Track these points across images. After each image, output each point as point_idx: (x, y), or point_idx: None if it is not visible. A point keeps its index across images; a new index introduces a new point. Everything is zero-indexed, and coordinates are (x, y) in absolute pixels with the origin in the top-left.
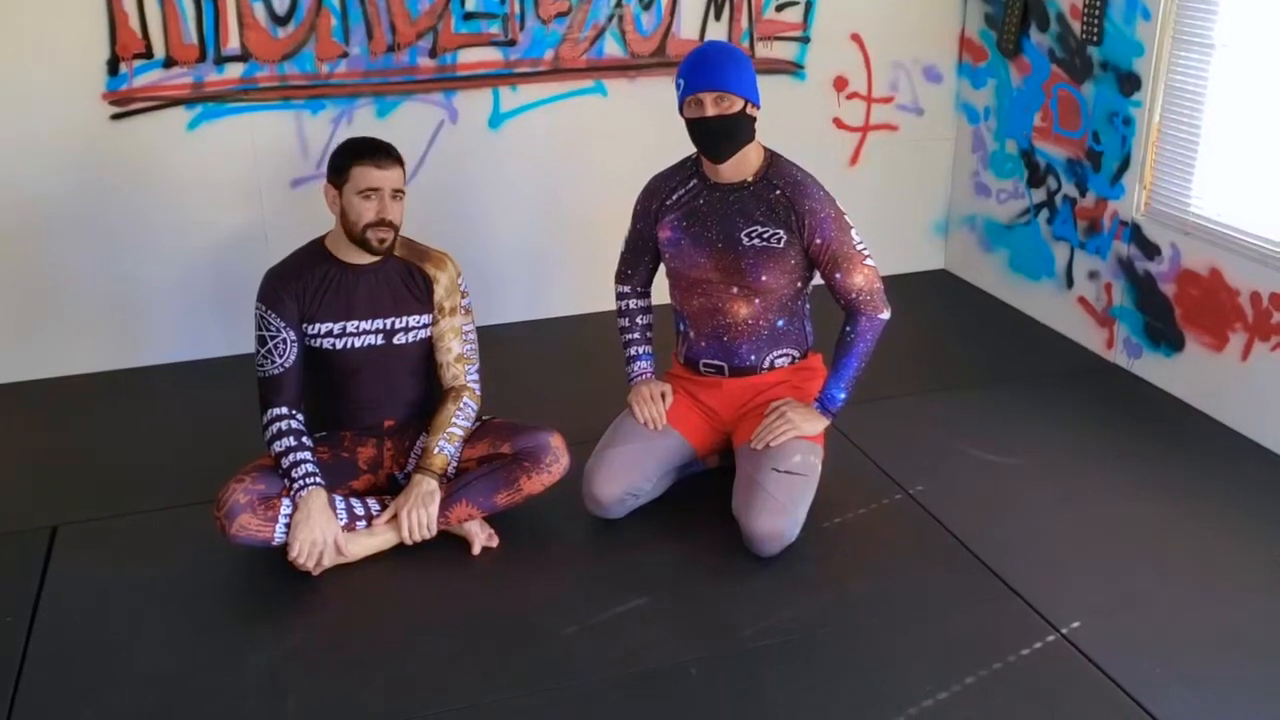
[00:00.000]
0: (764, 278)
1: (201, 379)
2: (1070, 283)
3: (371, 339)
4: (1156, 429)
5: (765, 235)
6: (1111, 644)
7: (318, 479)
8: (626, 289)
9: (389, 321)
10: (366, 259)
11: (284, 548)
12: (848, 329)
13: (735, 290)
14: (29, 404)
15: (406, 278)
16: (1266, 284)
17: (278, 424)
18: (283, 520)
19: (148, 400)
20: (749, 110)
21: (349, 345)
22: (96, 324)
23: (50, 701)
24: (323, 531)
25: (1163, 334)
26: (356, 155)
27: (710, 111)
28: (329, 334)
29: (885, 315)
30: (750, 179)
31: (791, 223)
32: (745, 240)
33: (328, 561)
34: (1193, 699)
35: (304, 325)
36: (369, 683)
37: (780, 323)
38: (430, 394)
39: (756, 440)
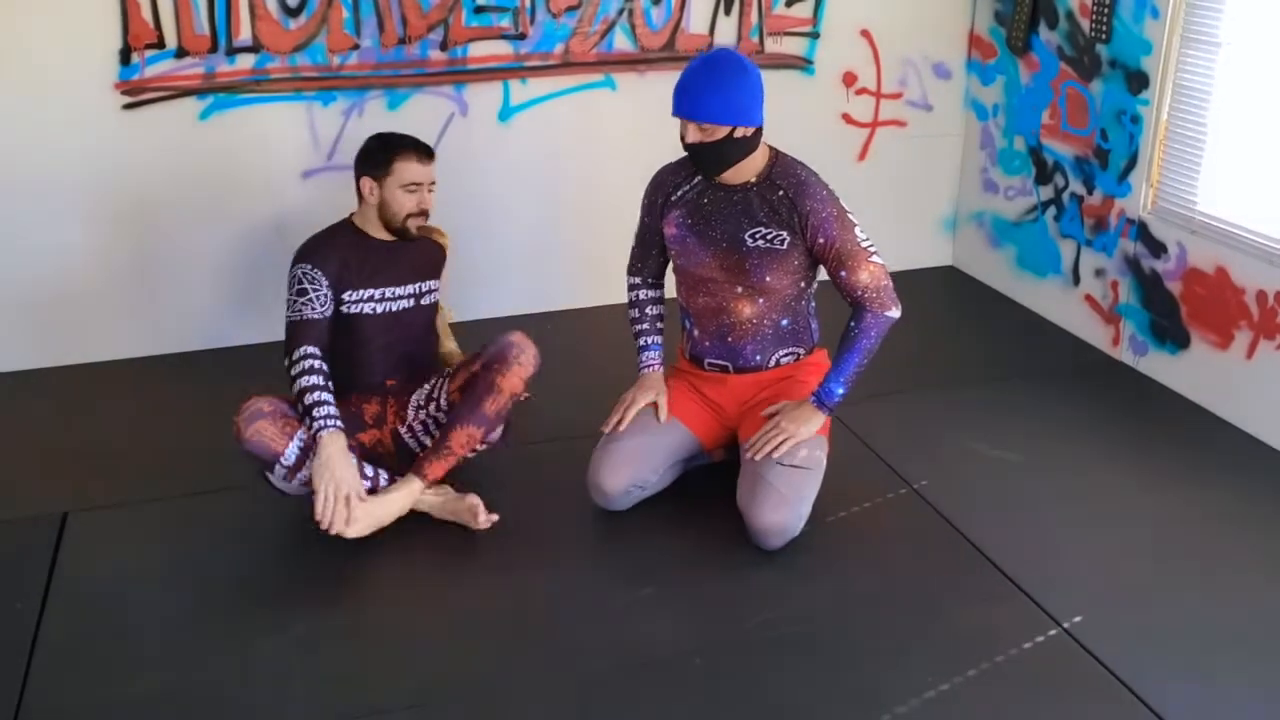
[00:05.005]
0: (767, 279)
1: (212, 368)
2: (1077, 280)
3: (405, 303)
4: (1161, 426)
5: (769, 236)
6: (1113, 638)
7: (338, 423)
8: (638, 280)
9: (419, 286)
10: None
11: (299, 509)
12: (852, 324)
13: (740, 290)
14: (39, 391)
15: (426, 247)
16: (1272, 283)
17: (307, 361)
18: (298, 441)
19: (157, 388)
20: (737, 134)
21: (387, 309)
22: (107, 313)
23: (60, 687)
24: (344, 473)
25: (1168, 331)
26: (400, 151)
27: (691, 138)
28: (370, 299)
29: (893, 313)
30: (753, 179)
31: (794, 223)
32: (749, 241)
33: (356, 518)
34: (1194, 694)
35: (344, 293)
36: (375, 670)
37: (784, 322)
38: (426, 355)
39: (753, 450)
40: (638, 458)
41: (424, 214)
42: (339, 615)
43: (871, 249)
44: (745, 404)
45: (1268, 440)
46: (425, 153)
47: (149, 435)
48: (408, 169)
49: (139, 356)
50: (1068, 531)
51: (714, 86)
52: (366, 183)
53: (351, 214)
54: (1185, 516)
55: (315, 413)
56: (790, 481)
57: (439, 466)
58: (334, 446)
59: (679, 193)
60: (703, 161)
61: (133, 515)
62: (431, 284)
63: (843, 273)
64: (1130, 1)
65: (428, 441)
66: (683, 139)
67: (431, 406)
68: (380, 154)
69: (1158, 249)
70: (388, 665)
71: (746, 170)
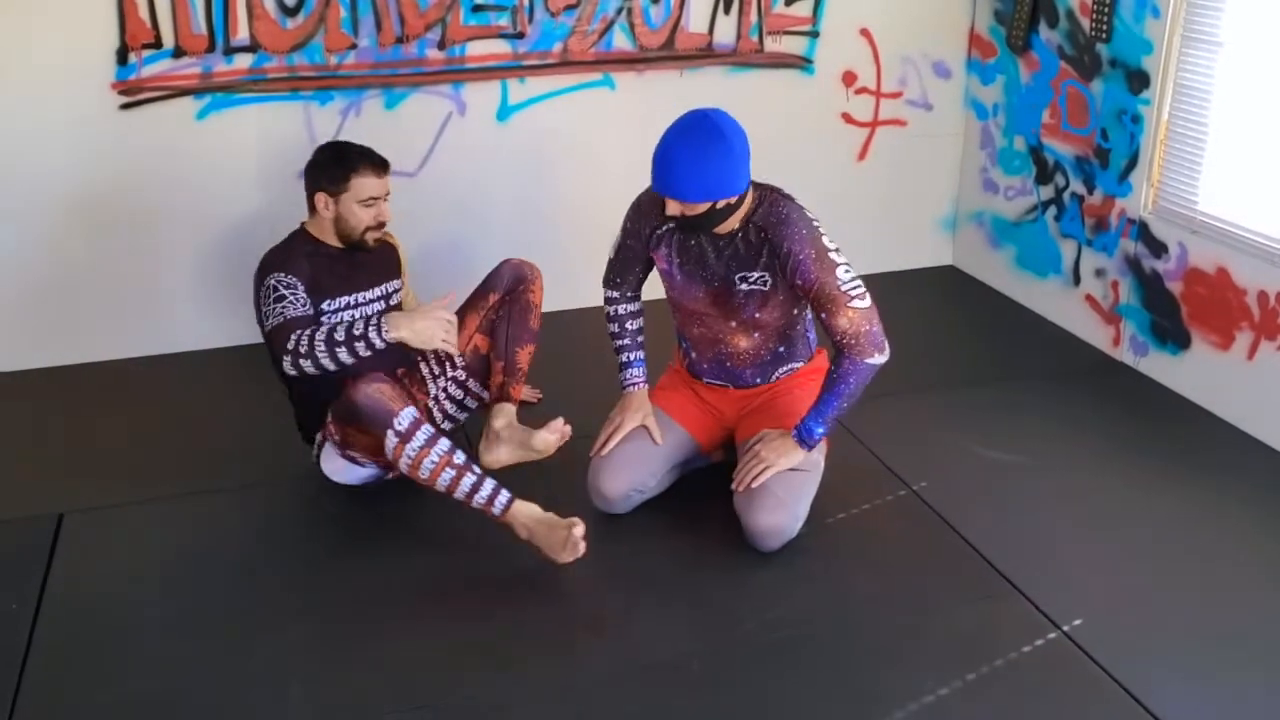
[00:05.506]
0: (758, 316)
1: (208, 368)
2: (1077, 280)
3: (378, 305)
4: (1161, 427)
5: (753, 279)
6: (1113, 642)
7: (377, 316)
8: (616, 295)
9: (386, 288)
10: None
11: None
12: (833, 367)
13: (733, 324)
14: (35, 391)
15: (382, 249)
16: (1273, 283)
17: (305, 332)
18: (414, 409)
19: (154, 389)
20: (720, 205)
21: (363, 314)
22: (105, 313)
23: (55, 689)
24: (421, 318)
25: (1169, 332)
26: (355, 167)
27: (672, 211)
28: (345, 307)
29: (875, 360)
30: (738, 225)
31: (774, 265)
32: (738, 283)
33: (453, 319)
34: (1193, 698)
35: (321, 303)
36: (372, 673)
37: (781, 349)
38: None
39: (736, 482)
40: (637, 462)
41: (381, 226)
42: (337, 617)
43: (853, 292)
44: (744, 408)
45: (1268, 441)
46: (381, 166)
47: (146, 436)
48: (364, 184)
49: (136, 356)
50: (1067, 533)
51: (692, 165)
52: (322, 198)
53: (304, 223)
54: (1186, 518)
55: (355, 330)
56: (787, 484)
57: (519, 387)
58: (392, 317)
59: (666, 227)
60: (686, 229)
61: (129, 516)
62: (395, 284)
63: (823, 315)
64: (1131, 1)
65: (450, 408)
66: (663, 207)
67: (448, 366)
68: (336, 169)
69: (1158, 249)
70: (386, 667)
71: (733, 220)
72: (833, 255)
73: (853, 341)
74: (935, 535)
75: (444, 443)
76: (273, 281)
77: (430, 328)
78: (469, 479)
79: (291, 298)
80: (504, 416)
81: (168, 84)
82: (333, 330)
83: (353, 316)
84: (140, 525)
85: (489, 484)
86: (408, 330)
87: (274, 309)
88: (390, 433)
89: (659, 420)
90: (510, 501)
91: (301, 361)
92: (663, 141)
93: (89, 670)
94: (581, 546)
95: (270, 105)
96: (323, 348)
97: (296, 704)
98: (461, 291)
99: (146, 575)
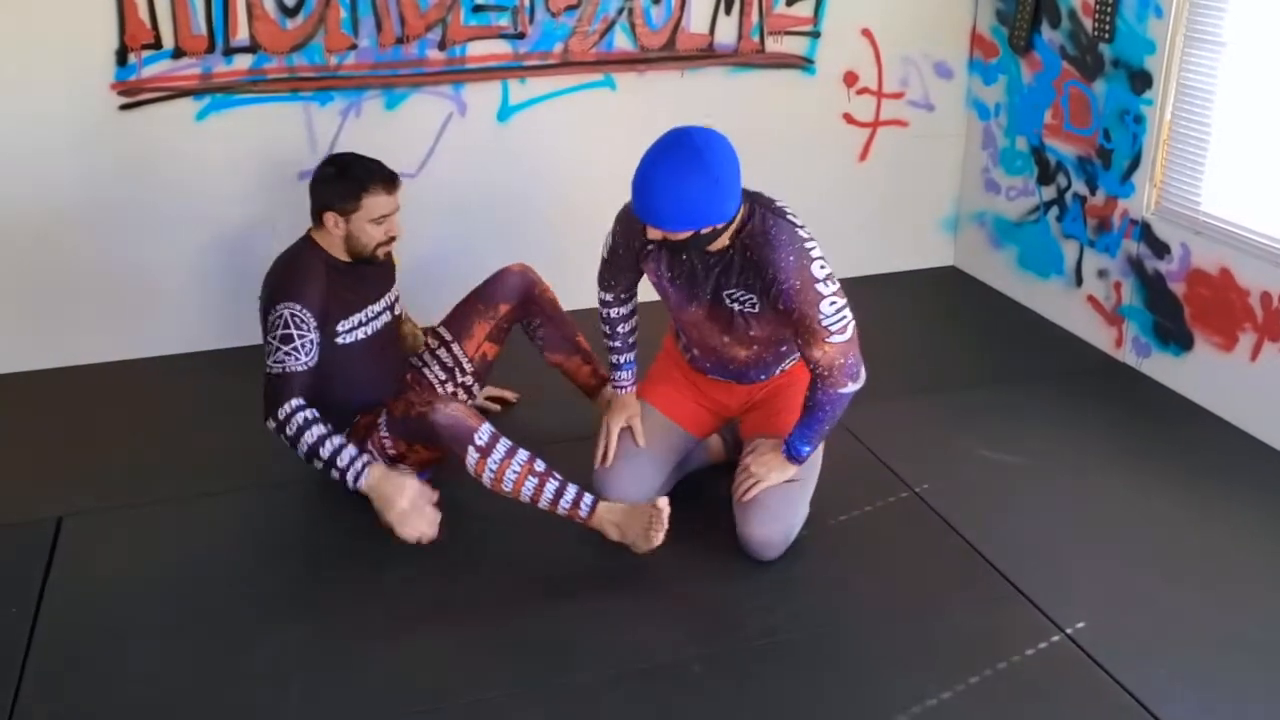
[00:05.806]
0: (752, 332)
1: (208, 370)
2: (1079, 281)
3: (386, 317)
4: (1164, 429)
5: (742, 299)
6: (1116, 645)
7: (369, 458)
8: (610, 297)
9: (389, 296)
10: None
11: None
12: (809, 395)
13: (727, 339)
14: (34, 393)
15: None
16: (1277, 284)
17: (301, 415)
18: (489, 426)
19: (155, 391)
20: (705, 231)
21: (374, 329)
22: (104, 314)
23: (54, 693)
24: (389, 499)
25: (1172, 333)
26: (367, 186)
27: (654, 236)
28: (359, 324)
29: (848, 389)
30: (728, 242)
31: (758, 287)
32: (728, 301)
33: (434, 519)
34: (1197, 701)
35: (336, 324)
36: (371, 675)
37: (783, 348)
38: (403, 355)
39: (733, 487)
40: (639, 476)
41: (392, 240)
42: (337, 619)
43: (834, 327)
44: (748, 401)
45: (1271, 443)
46: (392, 181)
47: (145, 438)
48: (377, 203)
49: (134, 358)
50: (1070, 535)
51: (672, 192)
52: (331, 217)
53: (310, 233)
54: (1189, 520)
55: (340, 462)
56: (780, 496)
57: (601, 367)
58: (388, 486)
59: (653, 244)
60: (671, 250)
61: (128, 519)
62: (395, 290)
63: (799, 342)
64: (1133, 1)
65: None
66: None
67: (457, 373)
68: (347, 189)
69: (1161, 250)
70: (383, 670)
71: (723, 239)
72: (819, 286)
73: (825, 372)
74: (937, 538)
75: (523, 452)
76: (285, 314)
77: (384, 511)
78: (552, 485)
79: (299, 341)
80: (617, 398)
81: (167, 85)
82: (319, 444)
83: (362, 333)
84: (140, 528)
85: (571, 489)
86: (374, 493)
87: (278, 351)
88: (471, 449)
89: (652, 420)
90: (595, 503)
91: (283, 437)
92: (642, 164)
93: (89, 673)
94: (666, 516)
95: (270, 106)
96: (305, 447)
97: (295, 706)
98: (458, 293)
99: (147, 578)
